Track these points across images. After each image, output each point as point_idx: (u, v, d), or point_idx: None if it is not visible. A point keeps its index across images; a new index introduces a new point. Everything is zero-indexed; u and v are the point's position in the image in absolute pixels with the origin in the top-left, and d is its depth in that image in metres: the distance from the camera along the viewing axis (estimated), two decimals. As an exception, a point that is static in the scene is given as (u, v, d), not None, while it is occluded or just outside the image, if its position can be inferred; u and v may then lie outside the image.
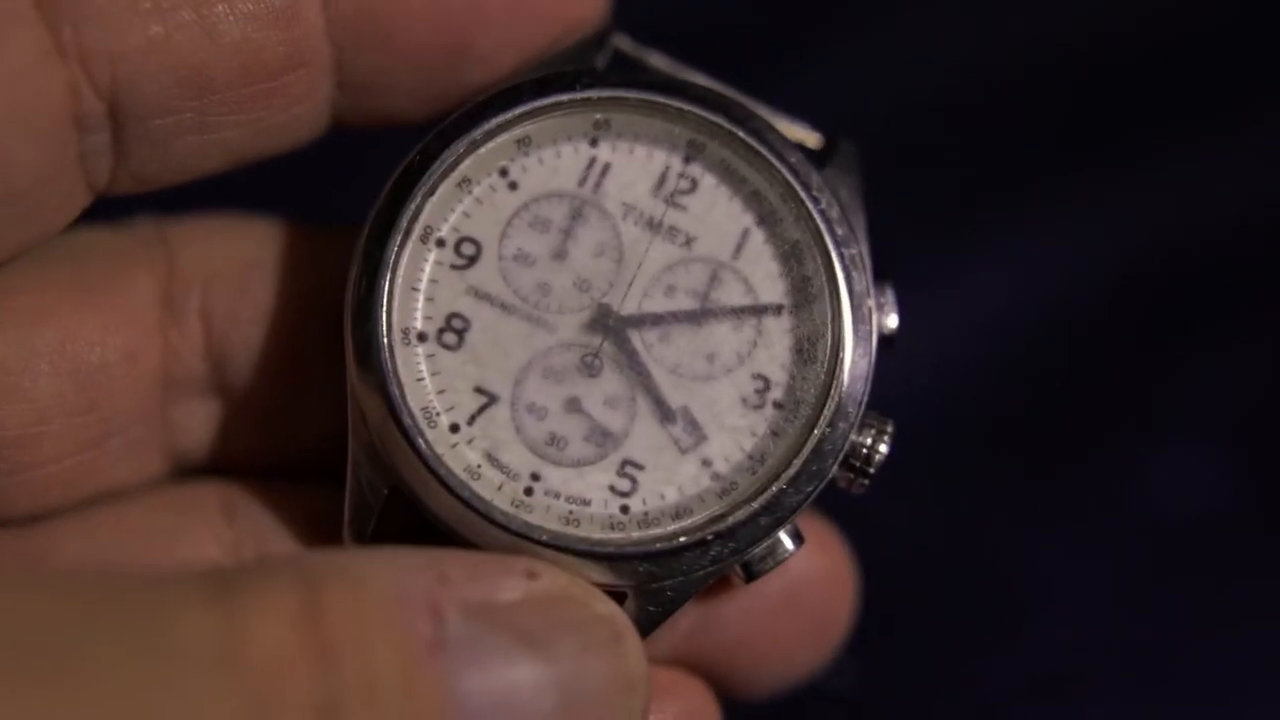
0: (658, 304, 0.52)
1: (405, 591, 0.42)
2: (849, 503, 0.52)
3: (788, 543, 0.51)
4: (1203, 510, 0.71)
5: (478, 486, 0.49)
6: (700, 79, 0.54)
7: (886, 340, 0.52)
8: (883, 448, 0.52)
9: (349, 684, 0.39)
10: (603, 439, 0.51)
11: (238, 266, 0.54)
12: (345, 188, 0.57)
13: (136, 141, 0.50)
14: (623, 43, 0.55)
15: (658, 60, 0.55)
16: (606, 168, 0.52)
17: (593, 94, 0.52)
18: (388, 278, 0.50)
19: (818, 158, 0.53)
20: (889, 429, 0.52)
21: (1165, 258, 0.76)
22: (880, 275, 0.53)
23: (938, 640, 0.69)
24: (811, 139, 0.54)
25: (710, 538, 0.50)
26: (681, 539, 0.50)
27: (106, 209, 0.53)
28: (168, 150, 0.51)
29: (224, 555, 0.54)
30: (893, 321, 0.53)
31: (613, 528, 0.50)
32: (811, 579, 0.55)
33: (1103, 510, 0.72)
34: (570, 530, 0.49)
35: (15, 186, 0.48)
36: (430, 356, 0.51)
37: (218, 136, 0.51)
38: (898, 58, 0.79)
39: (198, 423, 0.55)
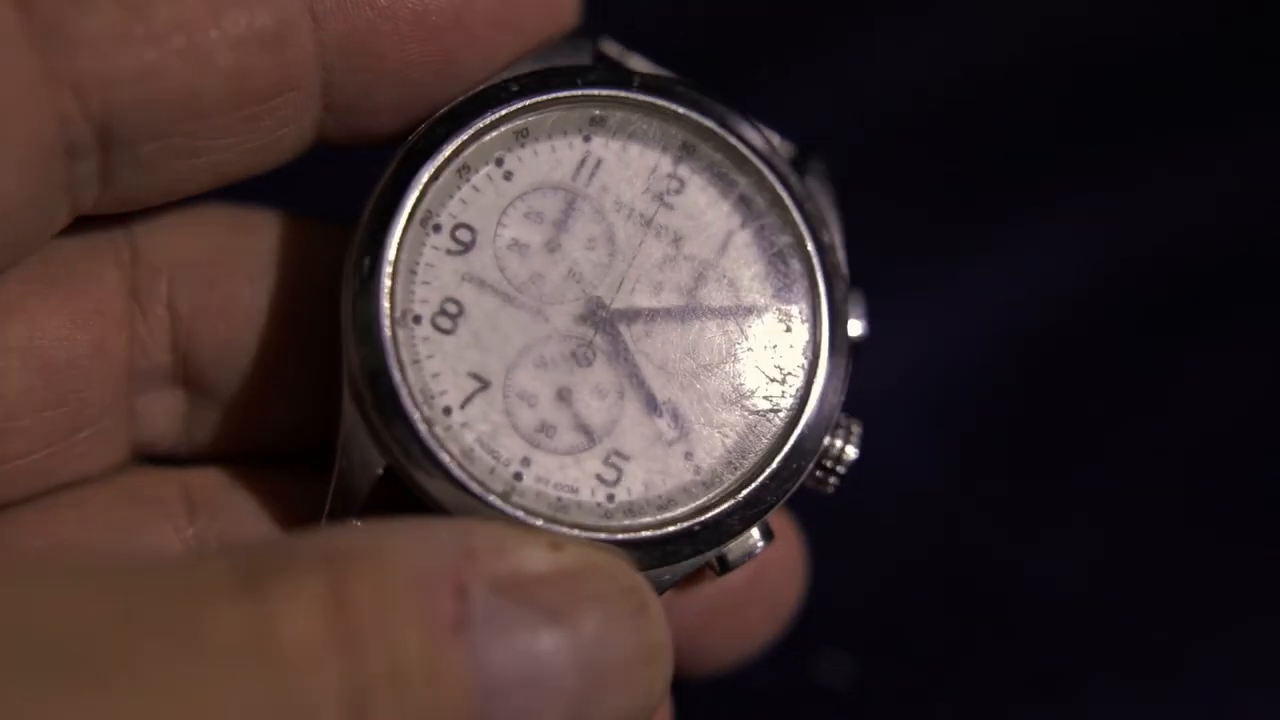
0: (646, 300, 0.53)
1: (429, 570, 0.42)
2: (848, 504, 0.54)
3: (760, 537, 0.53)
4: (1203, 512, 0.74)
5: (471, 470, 0.50)
6: (679, 80, 0.55)
7: (854, 346, 0.55)
8: (850, 450, 0.54)
9: (375, 670, 0.40)
10: (591, 429, 0.52)
11: (204, 256, 0.54)
12: (308, 178, 0.57)
13: (123, 166, 0.50)
14: (609, 47, 0.56)
15: (639, 64, 0.56)
16: (599, 163, 0.53)
17: (592, 91, 0.53)
18: (391, 260, 0.51)
19: (796, 166, 0.55)
20: (857, 431, 0.54)
21: (1155, 265, 0.78)
22: (851, 283, 0.55)
23: (936, 639, 0.70)
24: (784, 149, 0.56)
25: (697, 529, 0.51)
26: (669, 529, 0.51)
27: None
28: (154, 174, 0.51)
29: (184, 547, 0.54)
30: (858, 329, 0.55)
31: (600, 516, 0.51)
32: (771, 567, 0.57)
33: (1102, 510, 0.73)
34: (560, 516, 0.50)
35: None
36: (425, 339, 0.51)
37: (205, 160, 0.51)
38: (879, 67, 0.80)
39: (162, 412, 0.55)
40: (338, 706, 0.39)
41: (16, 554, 0.52)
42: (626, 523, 0.51)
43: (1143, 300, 0.78)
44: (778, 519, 0.55)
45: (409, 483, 0.50)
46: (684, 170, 0.54)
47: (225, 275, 0.54)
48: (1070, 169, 0.79)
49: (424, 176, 0.51)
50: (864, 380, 0.54)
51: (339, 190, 0.54)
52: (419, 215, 0.51)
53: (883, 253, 0.56)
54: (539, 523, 0.50)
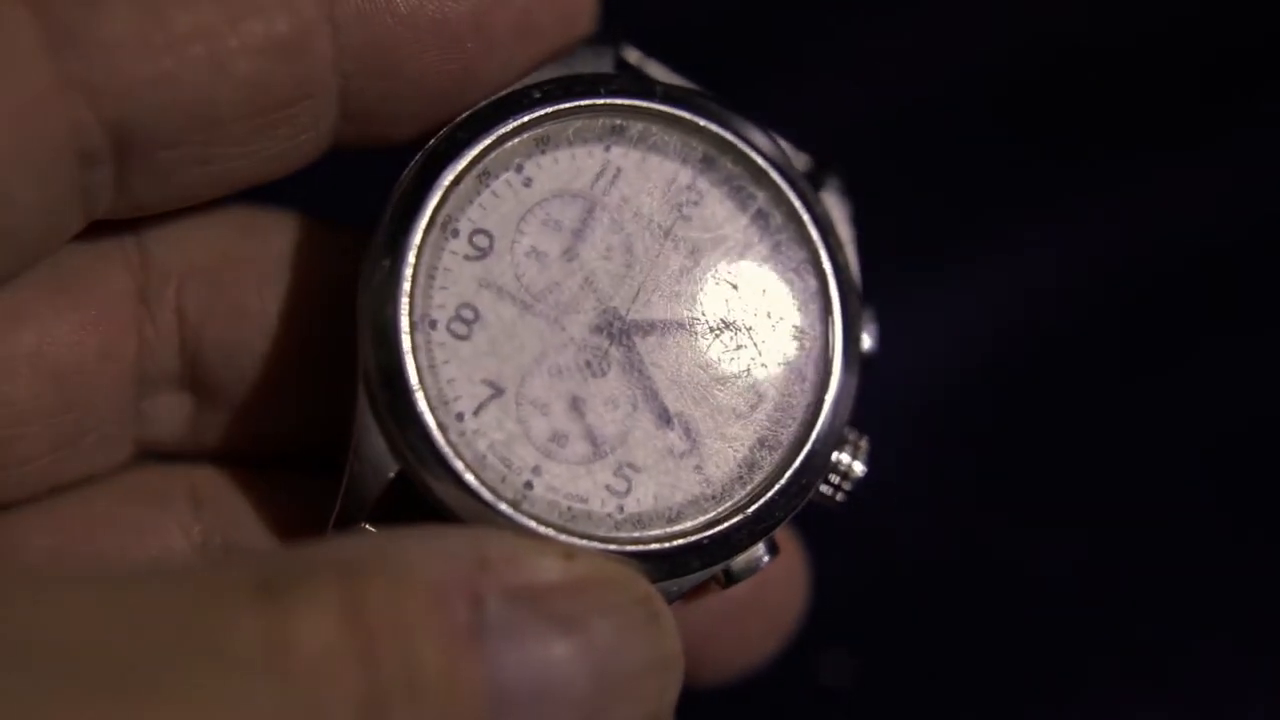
0: (662, 312, 0.53)
1: (445, 579, 0.42)
2: (850, 504, 0.54)
3: (765, 552, 0.53)
4: (1205, 513, 0.74)
5: (483, 476, 0.50)
6: (701, 92, 0.55)
7: (865, 361, 0.55)
8: (858, 466, 0.54)
9: (392, 679, 0.40)
10: (603, 439, 0.52)
11: (213, 259, 0.54)
12: (319, 180, 0.57)
13: (139, 173, 0.49)
14: (630, 54, 0.56)
15: (658, 71, 0.56)
16: (619, 173, 0.53)
17: (614, 100, 0.53)
18: (411, 264, 0.51)
19: (812, 180, 0.55)
20: (865, 447, 0.54)
21: (1155, 266, 0.78)
22: (863, 299, 0.55)
23: (938, 640, 0.70)
24: (799, 160, 0.56)
25: (706, 542, 0.51)
26: (678, 541, 0.51)
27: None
28: (169, 181, 0.50)
29: (191, 546, 0.54)
30: (869, 343, 0.55)
31: (610, 527, 0.51)
32: (773, 580, 0.57)
33: (1104, 510, 0.74)
34: (570, 526, 0.50)
35: (12, 224, 0.47)
36: (441, 345, 0.51)
37: (221, 167, 0.51)
38: (859, 76, 0.80)
39: (169, 415, 0.55)
40: (355, 716, 0.39)
41: (29, 563, 0.51)
42: (636, 534, 0.51)
43: (1143, 301, 0.78)
44: (781, 533, 0.55)
45: (420, 487, 0.50)
46: (703, 183, 0.54)
47: (234, 279, 0.54)
48: (1069, 170, 0.79)
49: (445, 181, 0.51)
50: (866, 380, 0.54)
51: (350, 191, 0.54)
52: (439, 220, 0.51)
53: (882, 255, 0.56)
54: (549, 532, 0.50)
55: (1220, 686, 0.70)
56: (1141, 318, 0.78)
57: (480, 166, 0.52)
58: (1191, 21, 0.82)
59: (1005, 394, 0.76)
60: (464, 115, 0.52)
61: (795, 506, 0.53)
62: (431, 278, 0.51)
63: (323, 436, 0.55)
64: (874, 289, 0.56)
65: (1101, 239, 0.79)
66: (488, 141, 0.52)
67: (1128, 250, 0.79)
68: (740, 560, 0.52)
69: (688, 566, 0.51)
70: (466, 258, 0.52)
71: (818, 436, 0.53)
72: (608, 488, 0.51)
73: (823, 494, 0.54)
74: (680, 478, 0.52)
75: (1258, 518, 0.74)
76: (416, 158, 0.52)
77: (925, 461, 0.72)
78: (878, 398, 0.54)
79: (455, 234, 0.52)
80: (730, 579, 0.52)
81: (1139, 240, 0.79)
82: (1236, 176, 0.80)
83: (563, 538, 0.50)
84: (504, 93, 0.53)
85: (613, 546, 0.50)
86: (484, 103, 0.53)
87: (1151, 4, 0.84)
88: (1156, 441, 0.75)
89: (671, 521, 0.51)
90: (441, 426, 0.50)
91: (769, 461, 0.53)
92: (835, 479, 0.54)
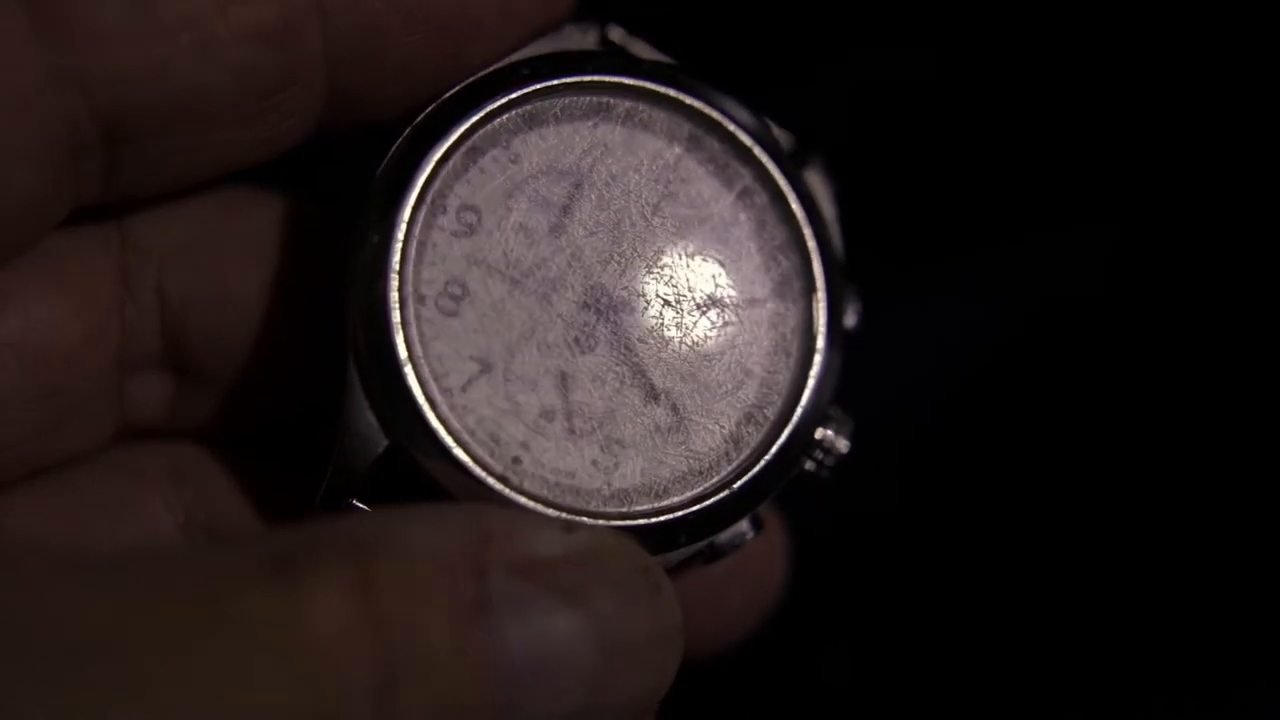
0: (648, 288, 0.53)
1: (451, 554, 0.42)
2: (847, 499, 0.54)
3: (749, 528, 0.53)
4: (1205, 512, 0.74)
5: (472, 452, 0.50)
6: (686, 69, 0.56)
7: (849, 339, 0.55)
8: (842, 443, 0.54)
9: (404, 657, 0.40)
10: (590, 415, 0.52)
11: (194, 239, 0.54)
12: (298, 158, 0.57)
13: (129, 163, 0.49)
14: (615, 32, 0.56)
15: (643, 50, 0.56)
16: (605, 150, 0.54)
17: (600, 77, 0.53)
18: (400, 240, 0.51)
19: (795, 158, 0.56)
20: (849, 424, 0.54)
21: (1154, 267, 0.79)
22: (847, 276, 0.56)
23: (940, 638, 0.70)
24: (785, 140, 0.57)
25: (692, 518, 0.51)
26: (663, 517, 0.51)
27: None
28: (159, 169, 0.50)
29: (175, 522, 0.54)
30: (853, 321, 0.55)
31: (597, 502, 0.51)
32: (753, 556, 0.57)
33: (1105, 510, 0.74)
34: (559, 501, 0.51)
35: (2, 217, 0.47)
36: (430, 321, 0.51)
37: (209, 155, 0.51)
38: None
39: (151, 396, 0.55)
40: (369, 691, 0.39)
41: (15, 544, 0.51)
42: (623, 509, 0.51)
43: (1142, 300, 0.79)
44: (764, 508, 0.56)
45: (410, 463, 0.50)
46: (688, 160, 0.54)
47: (215, 258, 0.54)
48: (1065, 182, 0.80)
49: (434, 157, 0.51)
50: (866, 378, 0.55)
51: (331, 169, 0.54)
52: (428, 196, 0.51)
53: (881, 252, 0.57)
54: (538, 506, 0.50)
55: (1222, 686, 0.71)
56: (1145, 313, 0.78)
57: (468, 143, 0.52)
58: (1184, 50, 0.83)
59: (1012, 390, 0.76)
60: (451, 92, 0.52)
61: (780, 482, 0.53)
62: (420, 254, 0.51)
63: (305, 415, 0.55)
64: (883, 285, 0.56)
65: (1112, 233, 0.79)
66: (476, 118, 0.52)
67: (1126, 250, 0.79)
68: (725, 535, 0.53)
69: (675, 541, 0.52)
70: (455, 234, 0.52)
71: (802, 413, 0.53)
72: (595, 463, 0.52)
73: (807, 471, 0.54)
74: (667, 453, 0.52)
75: (1261, 518, 0.75)
76: (404, 134, 0.52)
77: (929, 460, 0.72)
78: (883, 395, 0.54)
79: (444, 210, 0.52)
80: (715, 554, 0.53)
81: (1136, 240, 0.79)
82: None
83: (553, 512, 0.50)
84: (491, 69, 0.53)
85: (602, 521, 0.50)
86: (471, 79, 0.53)
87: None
88: (1159, 439, 0.76)
89: (659, 497, 0.52)
90: (431, 402, 0.50)
91: (754, 438, 0.53)
92: (820, 455, 0.54)
